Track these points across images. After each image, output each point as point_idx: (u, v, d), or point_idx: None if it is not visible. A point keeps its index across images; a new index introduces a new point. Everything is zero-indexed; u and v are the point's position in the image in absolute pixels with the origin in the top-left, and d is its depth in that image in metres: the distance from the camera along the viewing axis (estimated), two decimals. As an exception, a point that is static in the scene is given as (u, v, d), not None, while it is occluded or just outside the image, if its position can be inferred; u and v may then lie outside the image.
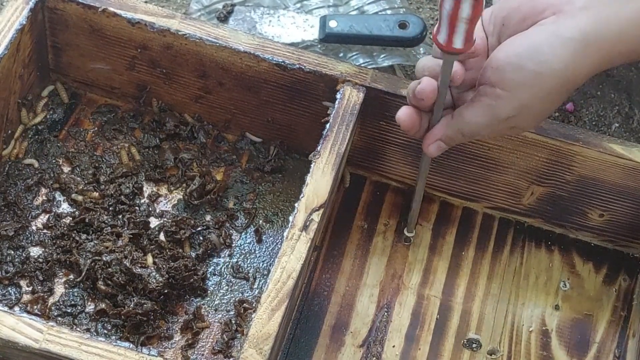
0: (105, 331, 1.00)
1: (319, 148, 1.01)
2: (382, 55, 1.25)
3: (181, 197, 1.11)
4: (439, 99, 0.93)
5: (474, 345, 1.06)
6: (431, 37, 1.32)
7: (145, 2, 1.25)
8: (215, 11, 1.27)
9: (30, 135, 1.13)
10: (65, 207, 1.09)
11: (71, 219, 1.07)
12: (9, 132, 1.11)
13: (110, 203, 1.08)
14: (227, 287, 1.06)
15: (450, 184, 1.14)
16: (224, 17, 1.26)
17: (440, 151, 0.97)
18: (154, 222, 1.09)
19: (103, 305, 1.01)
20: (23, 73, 1.10)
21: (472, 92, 0.94)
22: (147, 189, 1.12)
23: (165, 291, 1.01)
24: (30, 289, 1.02)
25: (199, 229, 1.08)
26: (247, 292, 1.06)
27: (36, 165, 1.11)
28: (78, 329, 0.99)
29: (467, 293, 1.10)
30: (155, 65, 1.12)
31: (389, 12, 1.29)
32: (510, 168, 1.10)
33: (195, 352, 1.01)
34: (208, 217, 1.10)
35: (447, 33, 0.85)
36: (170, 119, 1.16)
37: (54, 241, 1.05)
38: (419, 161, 1.03)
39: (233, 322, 1.02)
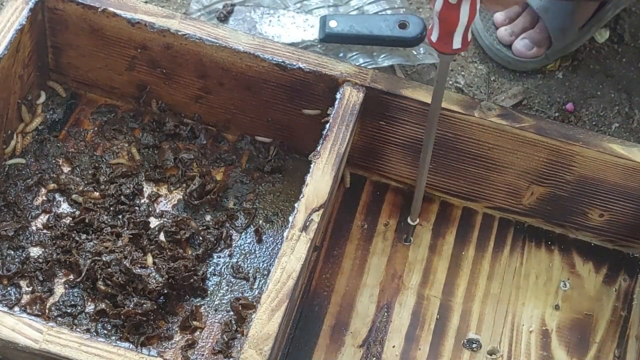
0: (105, 331, 1.00)
1: (319, 148, 1.01)
2: (382, 55, 1.25)
3: (181, 197, 1.11)
4: (437, 96, 0.94)
5: (474, 345, 1.06)
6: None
7: (145, 2, 1.25)
8: (215, 11, 1.27)
9: (30, 136, 1.13)
10: (65, 208, 1.09)
11: (71, 219, 1.07)
12: (9, 132, 1.11)
13: (110, 203, 1.08)
14: (227, 287, 1.06)
15: (450, 184, 1.14)
16: (224, 17, 1.26)
17: None
18: (154, 222, 1.08)
19: (103, 306, 1.01)
20: (23, 73, 1.10)
21: None
22: (147, 189, 1.12)
23: (165, 291, 1.01)
24: (30, 289, 1.02)
25: (199, 228, 1.08)
26: (247, 292, 1.06)
27: (23, 162, 1.11)
28: (78, 329, 0.99)
29: (467, 293, 1.10)
30: (155, 66, 1.12)
31: (389, 12, 1.29)
32: (510, 168, 1.10)
33: (195, 352, 1.01)
34: (208, 217, 1.10)
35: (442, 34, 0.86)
36: (170, 119, 1.16)
37: (54, 241, 1.05)
38: (418, 161, 1.03)
39: (233, 322, 1.02)
